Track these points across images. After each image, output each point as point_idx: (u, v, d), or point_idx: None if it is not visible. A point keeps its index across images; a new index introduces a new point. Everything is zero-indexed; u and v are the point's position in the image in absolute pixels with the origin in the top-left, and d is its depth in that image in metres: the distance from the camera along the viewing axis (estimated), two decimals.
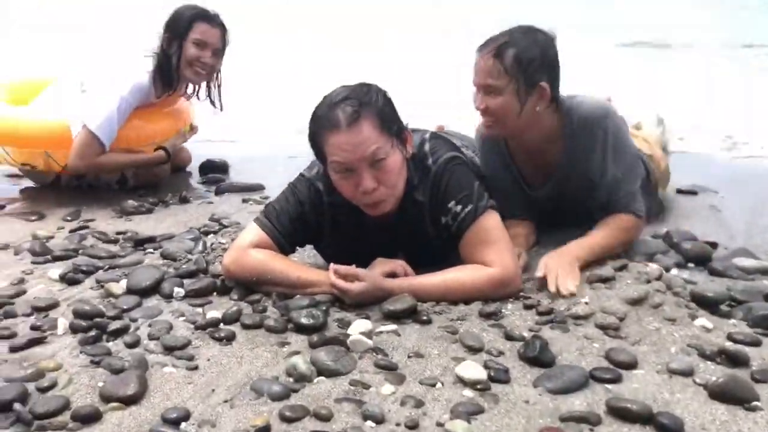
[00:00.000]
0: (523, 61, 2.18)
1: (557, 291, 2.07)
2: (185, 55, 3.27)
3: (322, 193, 2.15)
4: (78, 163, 3.16)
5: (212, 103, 3.50)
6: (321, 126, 1.99)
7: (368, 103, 1.97)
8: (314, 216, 2.17)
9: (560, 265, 2.15)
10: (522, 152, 2.46)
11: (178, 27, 3.27)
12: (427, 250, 2.21)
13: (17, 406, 1.52)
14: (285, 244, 2.18)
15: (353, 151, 1.94)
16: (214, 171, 3.78)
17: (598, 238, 2.30)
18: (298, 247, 2.32)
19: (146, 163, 3.42)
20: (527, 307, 2.03)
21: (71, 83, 3.34)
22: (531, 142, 2.36)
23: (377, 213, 2.07)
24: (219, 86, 3.47)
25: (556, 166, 2.41)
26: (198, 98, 3.54)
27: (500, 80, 2.19)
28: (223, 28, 3.34)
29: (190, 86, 3.46)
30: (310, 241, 2.33)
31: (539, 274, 2.13)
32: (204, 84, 3.46)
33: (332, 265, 2.03)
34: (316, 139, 2.02)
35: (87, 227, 2.90)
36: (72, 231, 2.85)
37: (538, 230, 2.51)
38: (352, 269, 2.02)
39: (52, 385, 1.63)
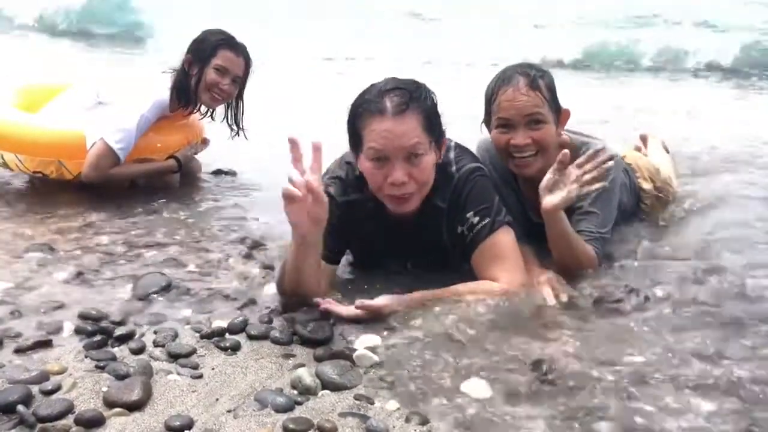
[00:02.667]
0: (552, 89, 2.29)
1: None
2: (205, 79, 3.28)
3: (334, 197, 2.13)
4: (91, 174, 3.17)
5: (230, 127, 3.51)
6: (365, 110, 1.99)
7: (417, 99, 1.99)
8: (336, 220, 2.11)
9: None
10: (529, 184, 2.47)
11: (202, 50, 3.29)
12: (438, 256, 2.22)
13: (20, 408, 1.52)
14: (331, 257, 2.18)
15: (393, 139, 1.95)
16: (225, 177, 3.80)
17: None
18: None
19: (157, 172, 3.43)
20: (531, 323, 2.02)
21: (86, 92, 3.36)
22: (542, 175, 2.36)
23: (400, 209, 2.07)
24: (241, 113, 3.49)
25: None
26: (213, 119, 3.55)
27: (544, 109, 2.26)
28: (247, 58, 3.35)
29: (203, 108, 3.48)
30: (347, 245, 2.31)
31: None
32: (224, 108, 3.48)
33: (357, 303, 2.00)
34: (356, 122, 2.03)
35: (95, 228, 2.90)
36: (80, 231, 2.85)
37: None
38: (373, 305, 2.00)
39: (56, 389, 1.63)
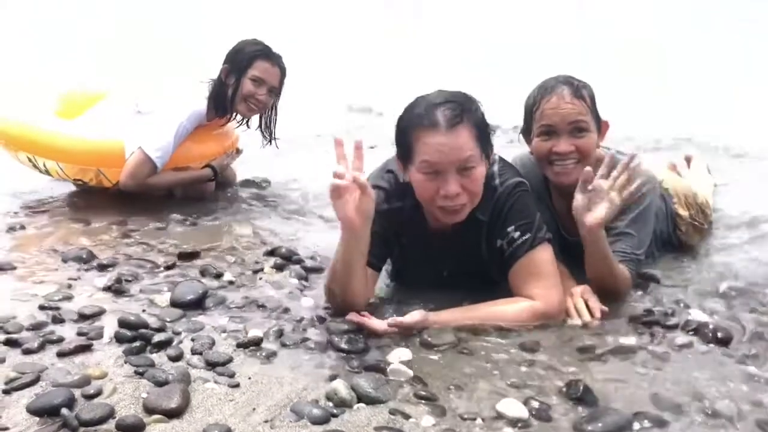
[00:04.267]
0: (593, 100, 2.33)
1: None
2: (242, 90, 3.34)
3: (376, 204, 2.11)
4: (129, 183, 3.23)
5: (263, 135, 3.57)
6: (417, 123, 2.01)
7: (469, 111, 2.01)
8: (379, 227, 2.11)
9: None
10: (563, 199, 2.46)
11: (239, 61, 3.35)
12: (475, 269, 2.22)
13: (65, 411, 1.55)
14: (374, 263, 2.18)
15: (448, 153, 1.96)
16: (258, 186, 3.85)
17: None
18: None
19: (193, 181, 3.48)
20: (567, 344, 2.01)
21: (125, 101, 3.43)
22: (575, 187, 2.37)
23: (452, 219, 2.08)
24: (274, 122, 3.55)
25: None
26: (248, 126, 3.61)
27: (587, 117, 2.28)
28: (282, 69, 3.41)
29: (238, 116, 3.53)
30: (389, 253, 2.30)
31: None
32: (258, 116, 3.54)
33: (390, 320, 2.01)
34: (407, 135, 2.04)
35: (132, 237, 2.95)
36: (118, 240, 2.90)
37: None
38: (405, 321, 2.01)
39: (98, 393, 1.66)
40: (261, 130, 3.59)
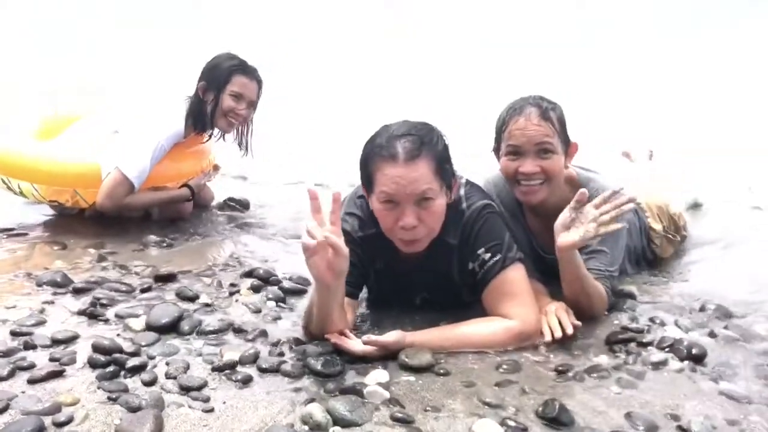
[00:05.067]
0: (562, 121, 2.34)
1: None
2: (221, 106, 3.35)
3: (350, 232, 2.16)
4: (106, 203, 3.21)
5: (240, 146, 3.57)
6: (377, 154, 2.02)
7: (429, 144, 2.01)
8: (354, 256, 2.12)
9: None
10: (537, 218, 2.52)
11: (216, 77, 3.35)
12: (448, 292, 2.24)
13: None
14: (353, 291, 2.19)
15: (405, 186, 1.97)
16: (235, 208, 3.83)
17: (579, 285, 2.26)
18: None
19: (171, 201, 3.46)
20: (543, 364, 2.01)
21: (101, 122, 3.42)
22: (548, 206, 2.39)
23: (410, 250, 2.09)
24: (250, 133, 3.55)
25: None
26: (224, 140, 3.61)
27: (554, 139, 2.30)
28: (260, 82, 3.42)
29: (216, 131, 3.53)
30: (365, 280, 2.32)
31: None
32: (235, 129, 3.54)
33: (365, 338, 1.99)
34: (368, 165, 2.05)
35: (109, 260, 2.92)
36: (94, 263, 2.87)
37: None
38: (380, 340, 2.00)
39: (69, 420, 1.64)
40: (238, 143, 3.59)
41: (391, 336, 2.00)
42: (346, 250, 1.89)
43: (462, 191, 2.19)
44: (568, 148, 2.38)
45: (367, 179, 2.07)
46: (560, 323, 2.14)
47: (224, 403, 1.76)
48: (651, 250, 2.86)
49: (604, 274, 2.32)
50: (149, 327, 2.19)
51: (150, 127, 3.30)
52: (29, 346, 2.04)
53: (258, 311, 2.39)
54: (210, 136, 3.52)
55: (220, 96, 3.34)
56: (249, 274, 2.73)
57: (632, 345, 2.13)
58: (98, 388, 1.80)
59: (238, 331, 2.20)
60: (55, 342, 2.08)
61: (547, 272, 2.50)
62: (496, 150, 2.44)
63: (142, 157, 3.22)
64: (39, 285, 2.58)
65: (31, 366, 1.91)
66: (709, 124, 5.24)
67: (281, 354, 2.04)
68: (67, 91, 5.07)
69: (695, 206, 3.57)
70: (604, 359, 2.05)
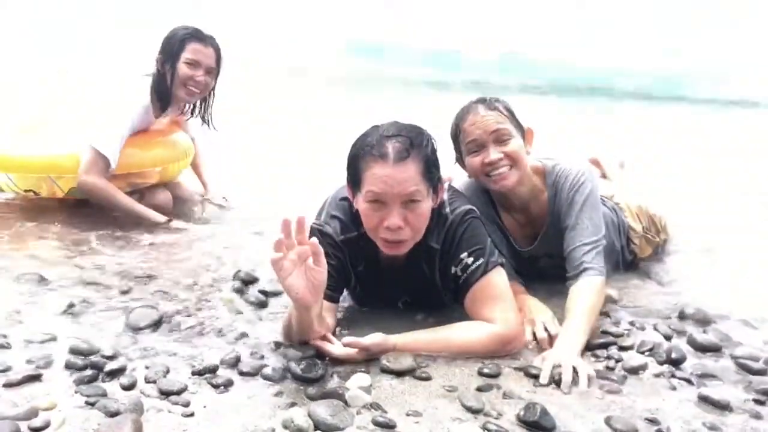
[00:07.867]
0: (509, 109, 2.43)
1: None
2: (178, 75, 3.33)
3: (332, 236, 2.16)
4: (86, 180, 3.20)
5: (203, 120, 3.58)
6: (367, 153, 2.01)
7: (419, 146, 2.01)
8: (336, 260, 2.15)
9: (565, 364, 2.00)
10: (509, 214, 2.57)
11: (171, 47, 3.34)
12: (430, 296, 2.24)
13: None
14: (333, 295, 2.17)
15: (393, 186, 1.97)
16: (217, 206, 3.83)
17: (585, 316, 2.21)
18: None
19: (143, 217, 3.37)
20: (527, 373, 2.00)
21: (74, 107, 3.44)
22: (519, 197, 2.48)
23: (393, 252, 2.09)
24: (212, 105, 3.54)
25: (541, 223, 2.53)
26: (192, 114, 3.62)
27: (507, 125, 2.37)
28: (216, 48, 3.40)
29: (187, 106, 3.53)
30: (346, 284, 2.30)
31: (544, 382, 1.95)
32: (198, 102, 3.54)
33: (345, 340, 1.98)
34: (356, 164, 2.04)
35: (87, 259, 2.88)
36: (72, 261, 2.83)
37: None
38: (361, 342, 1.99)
39: (46, 426, 1.61)
40: (201, 116, 3.59)
41: (372, 338, 1.99)
42: (324, 264, 1.86)
43: (445, 196, 2.19)
44: (525, 134, 2.43)
45: (355, 178, 2.06)
46: (545, 329, 2.17)
47: (205, 407, 1.74)
48: (630, 250, 2.88)
49: (591, 255, 2.34)
50: (128, 329, 2.16)
51: (118, 106, 3.31)
52: (5, 348, 2.00)
53: (239, 313, 2.37)
54: (180, 112, 3.53)
55: (176, 65, 3.32)
56: (230, 274, 2.71)
57: (613, 349, 2.15)
58: (76, 392, 1.78)
59: (219, 333, 2.19)
60: (32, 343, 2.04)
61: (523, 265, 2.58)
62: (459, 159, 2.49)
63: (113, 133, 3.24)
64: (16, 283, 2.53)
65: (7, 369, 1.88)
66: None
67: (262, 357, 2.02)
68: (65, 90, 5.03)
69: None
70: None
